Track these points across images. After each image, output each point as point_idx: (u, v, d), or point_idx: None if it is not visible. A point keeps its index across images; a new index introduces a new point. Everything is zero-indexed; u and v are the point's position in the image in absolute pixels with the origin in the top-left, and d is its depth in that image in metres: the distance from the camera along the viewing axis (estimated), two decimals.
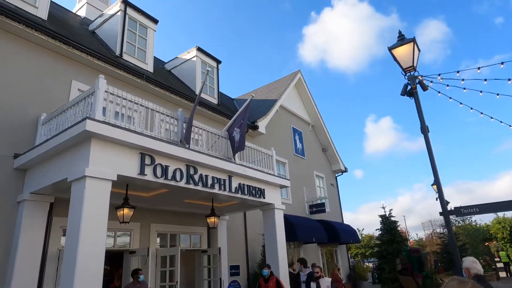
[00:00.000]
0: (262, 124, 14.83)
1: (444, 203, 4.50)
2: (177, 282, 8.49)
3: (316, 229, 15.65)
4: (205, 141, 8.66)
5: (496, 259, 21.77)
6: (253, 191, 9.41)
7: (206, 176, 7.90)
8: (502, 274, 20.63)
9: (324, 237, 15.61)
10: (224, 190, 8.38)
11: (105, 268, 6.33)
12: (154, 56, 12.58)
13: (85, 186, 5.35)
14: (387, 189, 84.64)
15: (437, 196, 4.52)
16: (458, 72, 5.42)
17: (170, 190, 7.92)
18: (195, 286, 10.68)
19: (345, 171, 22.44)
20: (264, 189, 9.87)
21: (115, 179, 5.84)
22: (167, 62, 15.32)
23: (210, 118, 12.65)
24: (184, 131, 7.56)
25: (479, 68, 5.86)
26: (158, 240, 10.01)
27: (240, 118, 9.08)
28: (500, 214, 31.37)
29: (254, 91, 21.27)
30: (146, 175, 6.50)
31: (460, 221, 13.71)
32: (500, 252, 23.90)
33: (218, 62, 15.04)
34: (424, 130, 5.02)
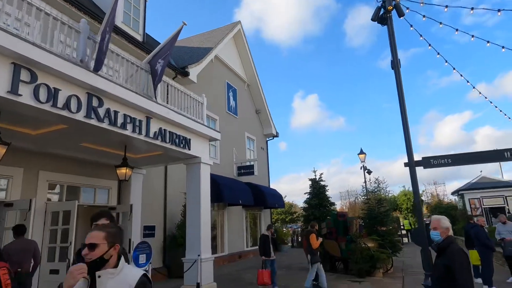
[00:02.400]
0: (193, 71, 13.07)
1: (411, 152, 3.71)
2: (70, 243, 6.80)
3: (243, 191, 14.83)
4: (121, 72, 6.80)
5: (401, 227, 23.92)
6: (177, 140, 7.92)
7: (116, 112, 6.17)
8: (405, 239, 22.78)
9: (250, 200, 14.90)
10: (140, 133, 6.75)
11: None
12: None
13: None
14: (307, 162, 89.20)
15: (405, 147, 3.67)
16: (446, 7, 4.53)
17: (68, 127, 6.06)
18: None
19: (277, 136, 21.94)
20: (190, 139, 8.43)
21: None
22: None
23: (132, 54, 10.50)
24: (96, 52, 5.65)
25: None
26: (50, 192, 8.03)
27: (166, 49, 7.35)
28: (406, 187, 34.55)
29: (188, 38, 19.06)
30: (21, 95, 4.59)
31: (376, 191, 14.11)
32: (404, 221, 26.34)
33: None
34: (396, 64, 4.09)
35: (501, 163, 24.95)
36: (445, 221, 3.26)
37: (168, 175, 11.82)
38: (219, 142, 15.63)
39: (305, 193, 12.62)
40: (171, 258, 10.88)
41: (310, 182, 12.44)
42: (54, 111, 5.04)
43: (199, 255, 8.28)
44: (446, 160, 3.59)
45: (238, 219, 16.62)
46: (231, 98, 17.51)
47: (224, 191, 12.77)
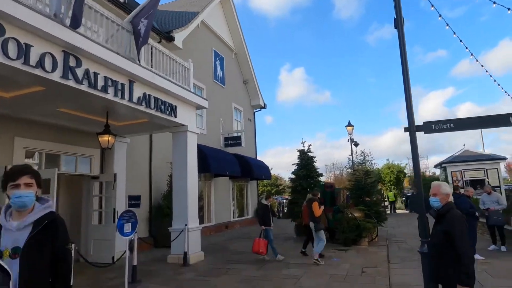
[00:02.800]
0: (179, 36, 12.44)
1: (412, 116, 3.53)
2: None
3: (230, 162, 14.67)
4: (101, 33, 6.29)
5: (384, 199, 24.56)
6: (162, 106, 7.56)
7: (96, 74, 5.74)
8: (387, 211, 23.45)
9: (237, 171, 14.78)
10: (123, 98, 6.36)
11: None
12: None
13: None
14: (293, 136, 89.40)
15: (406, 110, 3.47)
16: None
17: (44, 90, 5.63)
18: (82, 218, 8.79)
19: (264, 107, 21.61)
20: (176, 106, 8.08)
21: None
22: None
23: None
24: (72, 8, 5.13)
25: None
26: (29, 160, 7.63)
27: (149, 7, 6.81)
28: (390, 160, 35.10)
29: (172, 3, 18.08)
30: None
31: (362, 163, 14.18)
32: (388, 193, 26.97)
33: None
34: (400, 22, 3.82)
35: (482, 137, 25.46)
36: (445, 187, 3.13)
37: (153, 144, 11.48)
38: (205, 112, 15.25)
39: (293, 164, 12.59)
40: (157, 228, 10.76)
41: (298, 153, 12.35)
42: (26, 70, 4.61)
43: (186, 225, 8.17)
44: (448, 124, 3.43)
45: (225, 190, 16.57)
46: (218, 67, 16.94)
47: (211, 162, 12.57)
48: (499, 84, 7.79)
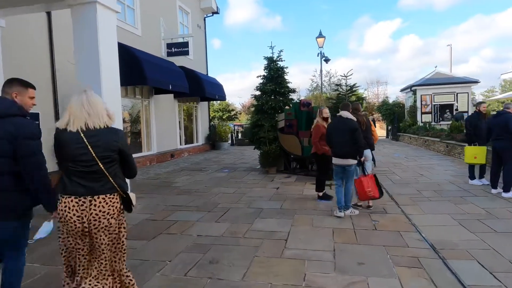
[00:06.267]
0: None
1: None
2: None
3: (174, 73, 11.28)
4: None
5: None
6: None
7: None
8: None
9: (184, 86, 11.52)
10: None
11: None
12: None
13: None
14: (242, 62, 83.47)
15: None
16: None
17: None
18: None
19: (217, 12, 17.58)
20: None
21: None
22: None
23: None
24: None
25: None
26: None
27: None
28: None
29: None
30: None
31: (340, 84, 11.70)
32: None
33: None
34: None
35: (452, 55, 23.98)
36: None
37: (54, 36, 7.71)
38: (139, 6, 11.25)
39: (258, 76, 9.61)
40: None
41: (265, 62, 9.34)
42: None
43: None
44: None
45: (169, 111, 13.39)
46: None
47: (147, 69, 9.16)
48: None
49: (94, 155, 2.06)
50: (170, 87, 10.45)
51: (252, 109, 10.76)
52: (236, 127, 25.21)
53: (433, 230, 4.28)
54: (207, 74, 16.91)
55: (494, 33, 73.28)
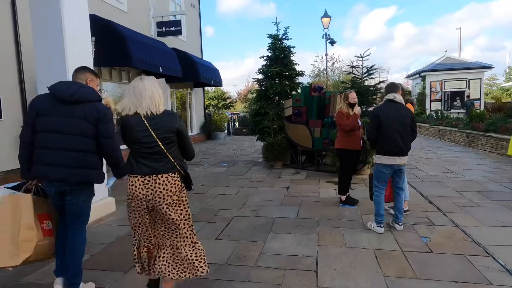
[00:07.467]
0: None
1: None
2: None
3: (166, 54, 10.01)
4: None
5: None
6: None
7: None
8: None
9: (177, 69, 10.27)
10: None
11: None
12: None
13: None
14: (236, 50, 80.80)
15: None
16: None
17: None
18: None
19: None
20: None
21: None
22: None
23: None
24: None
25: None
26: None
27: None
28: None
29: None
30: None
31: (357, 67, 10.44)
32: None
33: None
34: None
35: (461, 40, 22.86)
36: None
37: (19, 11, 6.41)
38: None
39: (260, 57, 8.36)
40: None
41: (269, 41, 8.05)
42: None
43: None
44: None
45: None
46: None
47: (133, 48, 7.89)
48: None
49: (155, 137, 2.18)
50: (161, 70, 9.19)
51: (254, 94, 9.54)
52: (232, 116, 24.05)
53: (509, 252, 3.21)
54: (202, 58, 15.60)
55: (489, 22, 71.81)
